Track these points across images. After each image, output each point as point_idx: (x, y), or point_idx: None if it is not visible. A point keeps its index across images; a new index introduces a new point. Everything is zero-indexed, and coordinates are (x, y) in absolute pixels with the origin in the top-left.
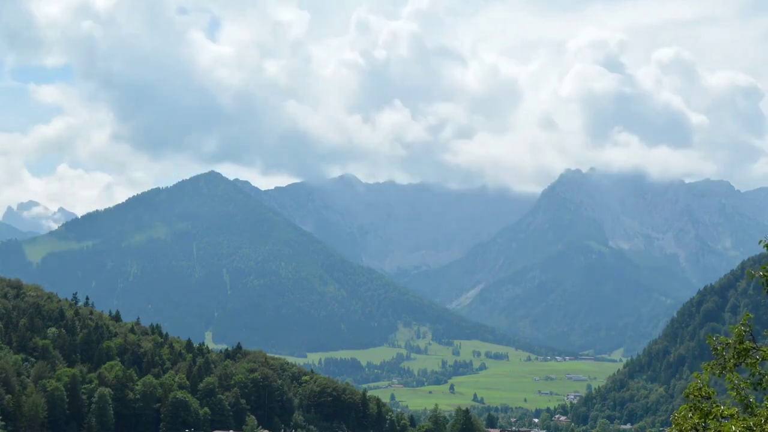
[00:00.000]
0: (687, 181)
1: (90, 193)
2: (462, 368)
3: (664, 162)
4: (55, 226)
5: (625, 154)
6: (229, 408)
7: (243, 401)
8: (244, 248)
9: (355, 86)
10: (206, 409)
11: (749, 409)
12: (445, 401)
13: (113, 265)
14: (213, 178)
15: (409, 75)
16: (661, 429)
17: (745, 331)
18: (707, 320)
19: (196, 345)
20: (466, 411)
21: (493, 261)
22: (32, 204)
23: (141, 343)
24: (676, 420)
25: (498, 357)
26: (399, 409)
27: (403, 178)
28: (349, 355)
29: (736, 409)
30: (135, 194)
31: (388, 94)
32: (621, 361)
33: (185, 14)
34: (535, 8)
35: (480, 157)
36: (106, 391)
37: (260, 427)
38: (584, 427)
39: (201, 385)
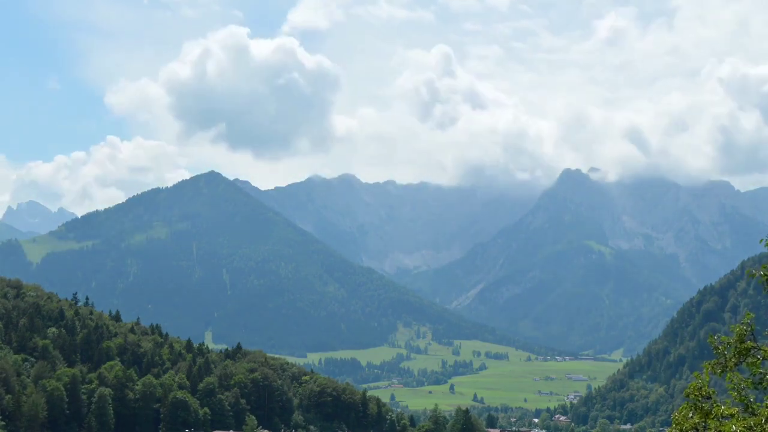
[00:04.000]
0: (687, 181)
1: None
2: (462, 368)
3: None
4: (55, 226)
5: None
6: (229, 408)
7: (243, 401)
8: (244, 248)
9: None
10: (206, 409)
11: (750, 409)
12: (445, 401)
13: (113, 265)
14: (213, 178)
15: None
16: (661, 429)
17: (746, 331)
18: (707, 320)
19: (196, 345)
20: (466, 411)
21: (493, 261)
22: (32, 204)
23: (141, 343)
24: (676, 419)
25: (498, 357)
26: (399, 409)
27: (403, 178)
28: (349, 355)
29: (737, 409)
30: (135, 194)
31: None
32: (621, 361)
33: None
34: None
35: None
36: (106, 391)
37: (260, 427)
38: (584, 427)
39: (201, 385)
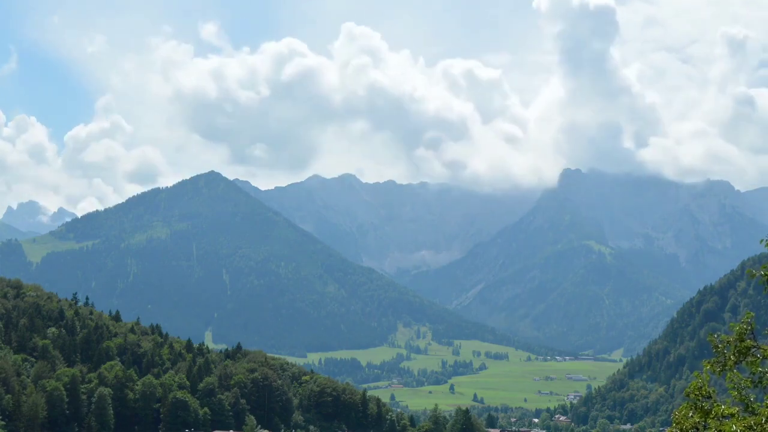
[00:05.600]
0: (687, 181)
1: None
2: (462, 368)
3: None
4: (55, 226)
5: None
6: (229, 408)
7: (243, 401)
8: (244, 248)
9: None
10: (206, 409)
11: (750, 409)
12: (445, 401)
13: (113, 265)
14: (213, 178)
15: None
16: (661, 429)
17: (746, 329)
18: (707, 320)
19: (196, 345)
20: (466, 411)
21: (493, 261)
22: (32, 204)
23: (141, 343)
24: (676, 419)
25: (498, 357)
26: (399, 409)
27: (403, 178)
28: (349, 355)
29: (737, 409)
30: (135, 194)
31: None
32: (621, 361)
33: None
34: None
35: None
36: (106, 391)
37: (260, 427)
38: (584, 427)
39: (201, 385)
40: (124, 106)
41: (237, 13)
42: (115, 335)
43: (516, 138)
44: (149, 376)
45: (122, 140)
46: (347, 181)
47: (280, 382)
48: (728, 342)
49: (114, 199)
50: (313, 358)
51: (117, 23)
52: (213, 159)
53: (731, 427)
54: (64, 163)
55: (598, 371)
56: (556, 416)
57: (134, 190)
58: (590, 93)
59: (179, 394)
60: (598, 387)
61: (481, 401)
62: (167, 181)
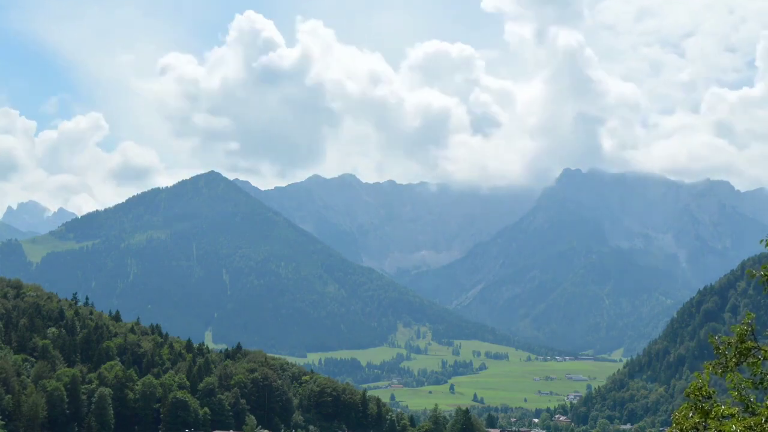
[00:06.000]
0: (687, 181)
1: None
2: (462, 368)
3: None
4: (55, 226)
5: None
6: (229, 408)
7: (243, 401)
8: (244, 248)
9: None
10: (206, 409)
11: (750, 409)
12: (445, 401)
13: (113, 265)
14: (213, 177)
15: None
16: (661, 429)
17: (747, 330)
18: (707, 320)
19: (196, 345)
20: (466, 411)
21: (493, 261)
22: (32, 204)
23: (141, 343)
24: (676, 419)
25: (498, 357)
26: (399, 409)
27: (403, 178)
28: (349, 355)
29: (737, 409)
30: (135, 194)
31: None
32: (621, 361)
33: None
34: None
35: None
36: (106, 391)
37: (260, 427)
38: (584, 427)
39: (201, 385)
40: (109, 104)
41: (216, 10)
42: (115, 335)
43: (513, 137)
44: (149, 376)
45: (108, 138)
46: (347, 181)
47: (280, 382)
48: (729, 343)
49: (97, 198)
50: (313, 358)
51: (104, 21)
52: (206, 157)
53: (731, 427)
54: (49, 161)
55: (598, 371)
56: (556, 416)
57: (125, 187)
58: (582, 91)
59: (179, 394)
60: (598, 387)
61: (481, 401)
62: (161, 180)
